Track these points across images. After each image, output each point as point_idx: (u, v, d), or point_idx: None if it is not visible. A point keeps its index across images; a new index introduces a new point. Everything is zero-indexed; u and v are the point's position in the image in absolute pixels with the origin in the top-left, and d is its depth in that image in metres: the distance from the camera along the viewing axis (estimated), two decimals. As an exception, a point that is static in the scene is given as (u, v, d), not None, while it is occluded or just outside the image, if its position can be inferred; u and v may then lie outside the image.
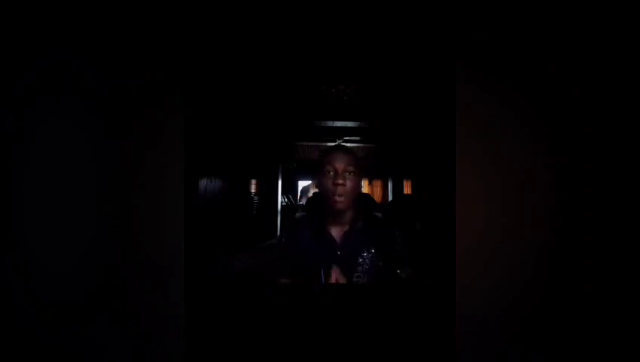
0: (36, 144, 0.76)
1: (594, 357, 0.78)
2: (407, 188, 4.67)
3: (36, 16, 0.76)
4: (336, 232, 1.01)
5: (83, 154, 0.77)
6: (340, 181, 0.96)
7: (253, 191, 3.46)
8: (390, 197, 5.67)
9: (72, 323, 0.76)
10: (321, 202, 1.05)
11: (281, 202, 4.82)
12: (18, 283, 0.75)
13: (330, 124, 3.21)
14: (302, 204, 5.19)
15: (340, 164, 0.98)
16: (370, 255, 0.99)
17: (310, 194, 4.54)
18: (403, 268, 1.02)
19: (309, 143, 4.27)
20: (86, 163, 0.77)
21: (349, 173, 0.98)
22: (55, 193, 0.76)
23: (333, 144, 1.08)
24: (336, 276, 0.91)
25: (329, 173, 0.99)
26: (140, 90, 0.78)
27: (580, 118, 0.78)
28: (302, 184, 6.46)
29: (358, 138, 3.72)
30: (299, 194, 6.08)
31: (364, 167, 1.04)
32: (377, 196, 6.18)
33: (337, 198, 0.97)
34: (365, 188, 6.24)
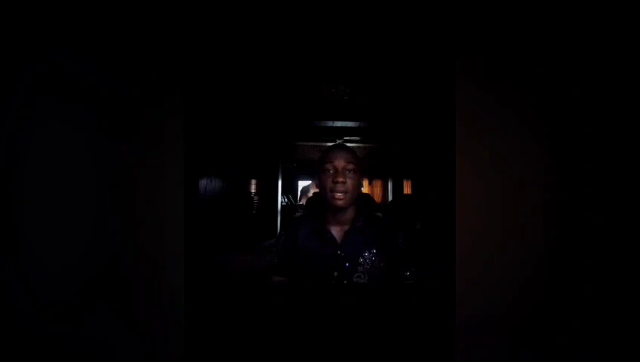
0: (36, 144, 0.76)
1: (594, 357, 0.78)
2: (407, 188, 4.67)
3: (36, 16, 0.76)
4: (336, 232, 1.01)
5: (83, 154, 0.77)
6: (340, 178, 0.96)
7: (253, 191, 3.45)
8: (390, 197, 5.67)
9: (73, 322, 0.76)
10: (321, 201, 1.04)
11: (281, 202, 4.82)
12: (18, 283, 0.75)
13: (330, 124, 3.22)
14: (302, 204, 5.19)
15: (340, 162, 0.98)
16: (371, 255, 0.98)
17: (310, 194, 4.54)
18: (406, 269, 1.01)
19: (309, 143, 4.27)
20: (86, 163, 0.77)
21: (350, 171, 0.98)
22: (55, 193, 0.76)
23: (332, 144, 1.09)
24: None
25: (329, 170, 0.99)
26: (140, 90, 0.78)
27: (580, 118, 0.78)
28: (302, 184, 6.47)
29: (358, 138, 3.73)
30: (299, 194, 6.08)
31: (365, 166, 1.03)
32: (377, 196, 6.19)
33: (337, 195, 0.96)
34: (365, 188, 6.24)
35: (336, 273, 0.96)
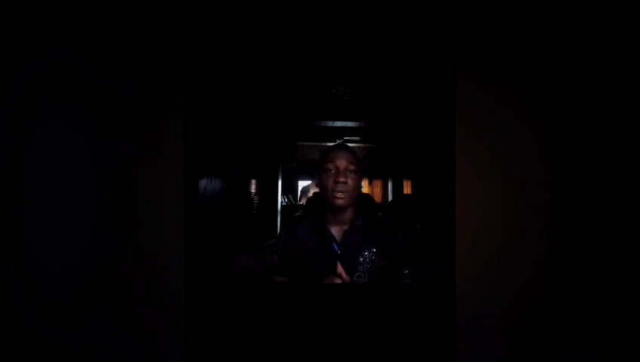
0: (36, 144, 0.76)
1: (594, 357, 0.78)
2: (407, 188, 4.67)
3: (36, 16, 0.76)
4: (336, 231, 1.02)
5: (83, 154, 0.77)
6: (342, 179, 0.96)
7: (253, 191, 3.45)
8: (390, 197, 5.67)
9: (73, 322, 0.76)
10: (321, 201, 1.05)
11: (281, 202, 4.82)
12: (18, 283, 0.75)
13: (330, 124, 3.21)
14: (302, 204, 5.19)
15: (341, 162, 0.98)
16: (371, 254, 0.98)
17: (310, 194, 4.54)
18: (405, 267, 1.01)
19: (309, 143, 4.27)
20: (86, 163, 0.77)
21: (351, 172, 0.99)
22: (55, 193, 0.76)
23: (333, 144, 1.09)
24: (340, 270, 0.90)
25: (330, 170, 0.99)
26: (140, 90, 0.78)
27: (580, 118, 0.78)
28: (302, 184, 6.46)
29: (358, 138, 3.72)
30: (299, 194, 6.07)
31: (365, 167, 1.04)
32: (377, 196, 6.18)
33: (338, 195, 0.97)
34: (365, 188, 6.23)
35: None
